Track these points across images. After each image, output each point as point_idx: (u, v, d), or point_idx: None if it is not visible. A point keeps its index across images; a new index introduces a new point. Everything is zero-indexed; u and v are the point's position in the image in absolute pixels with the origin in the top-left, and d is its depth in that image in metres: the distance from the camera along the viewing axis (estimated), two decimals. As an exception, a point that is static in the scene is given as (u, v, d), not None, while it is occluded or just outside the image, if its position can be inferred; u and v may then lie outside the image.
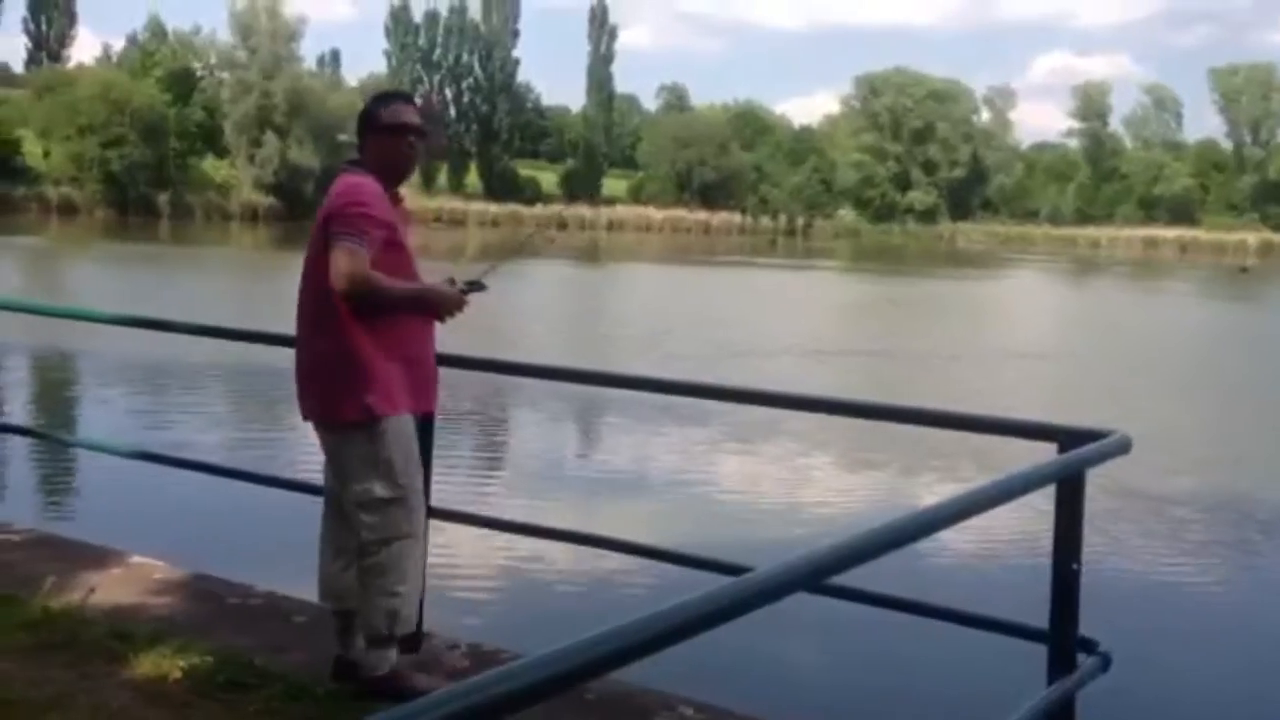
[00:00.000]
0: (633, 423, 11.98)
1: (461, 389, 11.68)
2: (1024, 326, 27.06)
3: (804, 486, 9.86)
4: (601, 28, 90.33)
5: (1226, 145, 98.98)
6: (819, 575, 1.62)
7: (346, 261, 3.33)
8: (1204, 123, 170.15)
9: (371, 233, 3.38)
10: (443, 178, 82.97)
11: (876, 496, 9.49)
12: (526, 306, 23.48)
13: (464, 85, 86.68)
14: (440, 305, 3.58)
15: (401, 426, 3.48)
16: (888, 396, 14.98)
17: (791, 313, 26.85)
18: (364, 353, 3.42)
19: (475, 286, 3.64)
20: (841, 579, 2.06)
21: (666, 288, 34.81)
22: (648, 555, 4.32)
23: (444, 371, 3.71)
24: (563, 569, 6.66)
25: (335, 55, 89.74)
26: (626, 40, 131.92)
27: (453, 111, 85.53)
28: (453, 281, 3.64)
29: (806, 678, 5.60)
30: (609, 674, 1.38)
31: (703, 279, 39.61)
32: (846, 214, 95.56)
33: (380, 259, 3.40)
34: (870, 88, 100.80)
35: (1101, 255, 78.33)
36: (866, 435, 10.78)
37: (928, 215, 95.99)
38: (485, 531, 5.21)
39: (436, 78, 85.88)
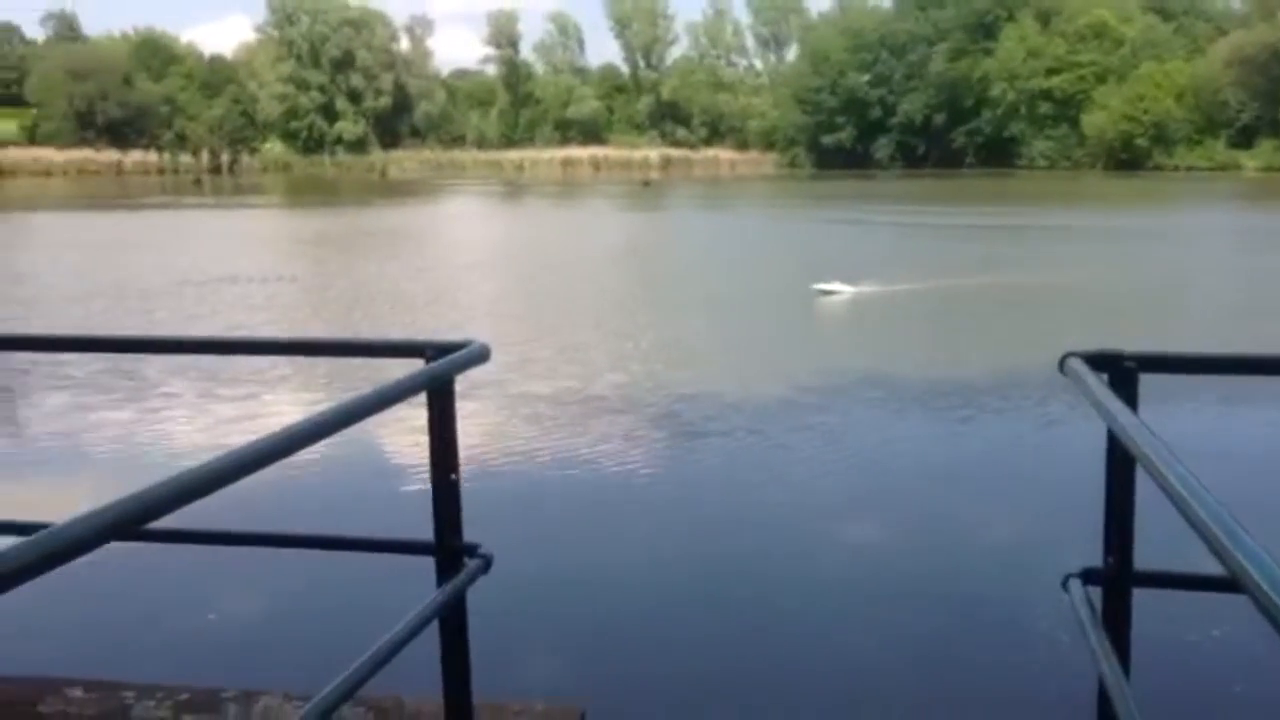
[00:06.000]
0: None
1: None
2: (456, 249, 28.03)
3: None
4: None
5: (625, 69, 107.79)
6: (138, 520, 1.46)
7: None
8: (604, 48, 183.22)
9: None
10: None
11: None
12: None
13: None
14: None
15: None
16: (332, 320, 15.08)
17: (237, 251, 26.01)
18: None
19: None
20: (218, 519, 1.91)
21: (88, 235, 31.88)
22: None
23: None
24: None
25: None
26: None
27: None
28: None
29: (199, 633, 5.39)
30: None
31: (124, 225, 36.56)
32: (274, 147, 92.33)
33: None
34: (285, 14, 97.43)
35: (526, 176, 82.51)
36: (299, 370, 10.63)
37: (358, 145, 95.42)
38: None
39: None
